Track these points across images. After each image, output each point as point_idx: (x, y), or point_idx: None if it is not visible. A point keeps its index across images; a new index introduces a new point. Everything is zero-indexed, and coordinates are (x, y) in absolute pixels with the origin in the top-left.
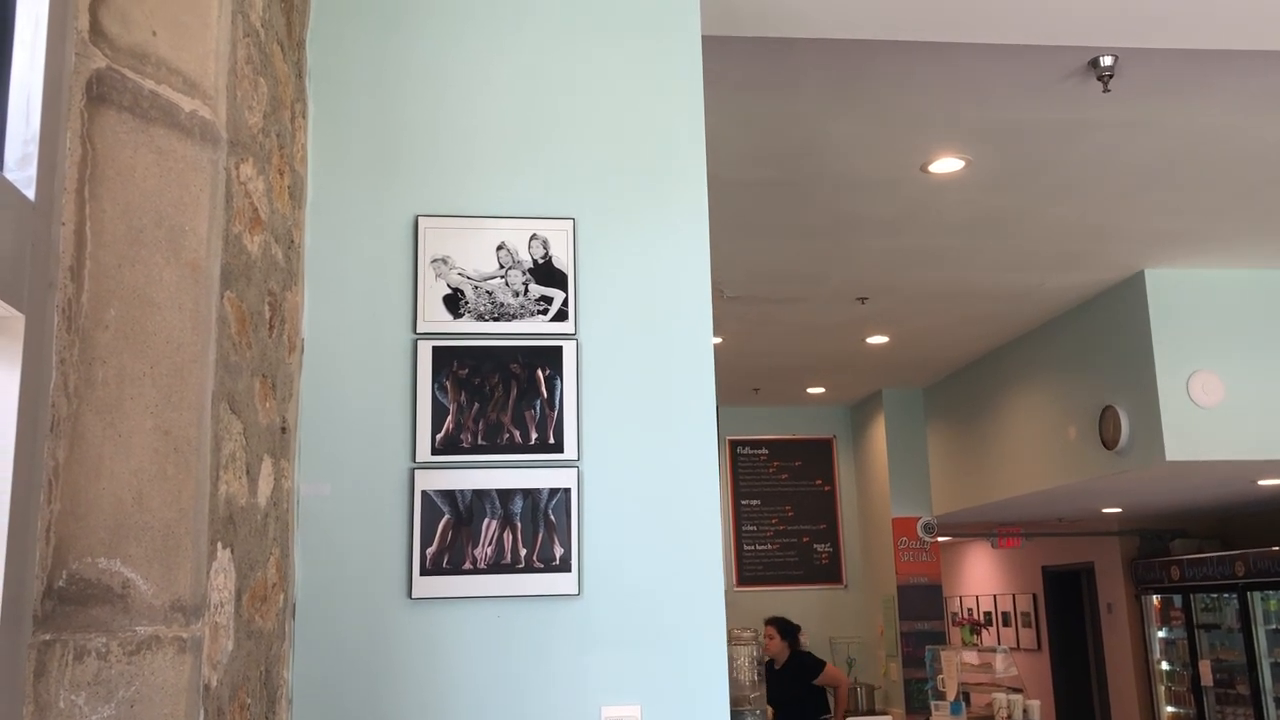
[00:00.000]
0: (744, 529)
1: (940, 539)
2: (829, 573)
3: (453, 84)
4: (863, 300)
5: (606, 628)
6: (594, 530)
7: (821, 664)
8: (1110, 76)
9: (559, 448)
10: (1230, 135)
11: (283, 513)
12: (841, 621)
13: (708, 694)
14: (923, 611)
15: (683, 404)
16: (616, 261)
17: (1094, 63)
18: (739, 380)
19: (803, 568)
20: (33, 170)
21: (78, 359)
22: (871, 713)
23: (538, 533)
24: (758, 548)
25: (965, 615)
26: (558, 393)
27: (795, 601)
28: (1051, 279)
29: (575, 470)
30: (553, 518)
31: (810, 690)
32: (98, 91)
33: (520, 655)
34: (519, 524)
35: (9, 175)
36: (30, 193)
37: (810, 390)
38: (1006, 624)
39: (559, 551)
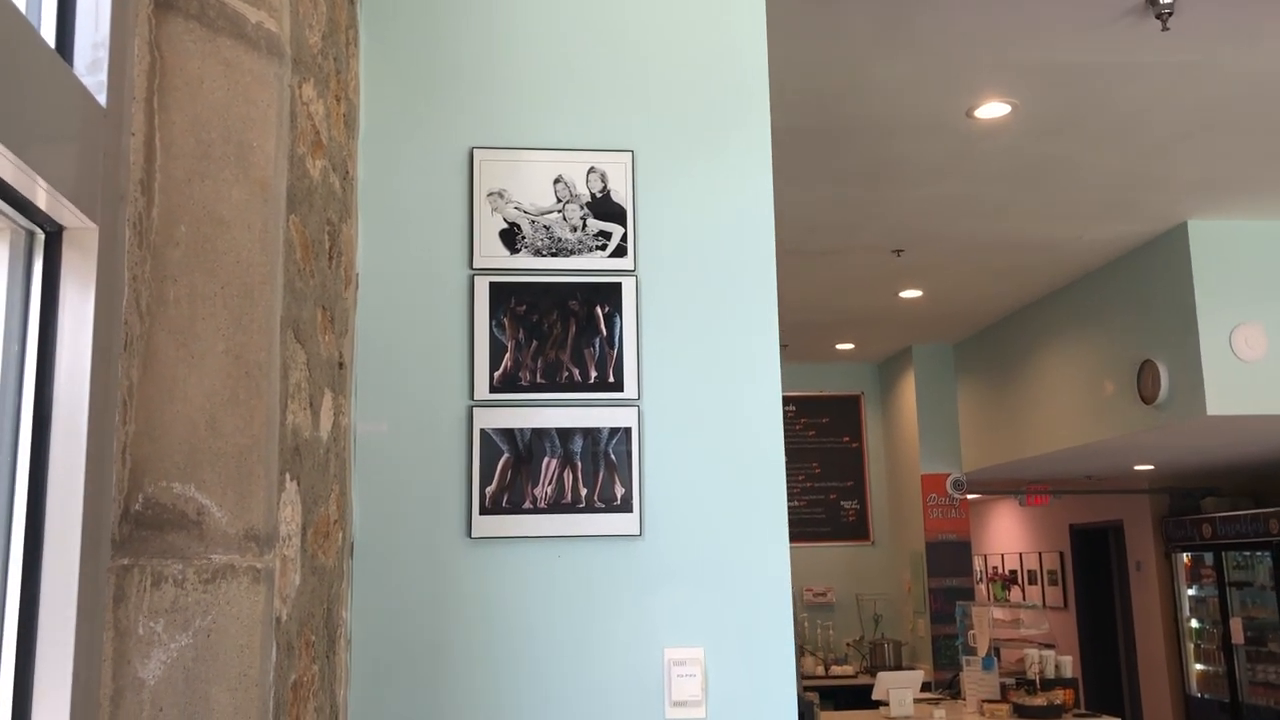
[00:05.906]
0: None
1: (968, 496)
2: (856, 530)
3: (506, 10)
4: (898, 253)
5: (669, 569)
6: (655, 470)
7: None
8: (1170, 14)
9: (619, 386)
10: None
11: (341, 449)
12: (869, 578)
13: (773, 636)
14: (951, 568)
15: (746, 341)
16: (677, 195)
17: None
18: None
19: (830, 524)
20: (103, 76)
21: (149, 276)
22: (899, 668)
23: (598, 472)
24: None
25: (991, 573)
26: (617, 330)
27: (822, 558)
28: (1092, 230)
29: (636, 409)
30: (613, 457)
31: None
32: None
33: (581, 596)
34: (579, 463)
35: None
36: (102, 99)
37: (839, 346)
38: (1033, 582)
39: (620, 491)
